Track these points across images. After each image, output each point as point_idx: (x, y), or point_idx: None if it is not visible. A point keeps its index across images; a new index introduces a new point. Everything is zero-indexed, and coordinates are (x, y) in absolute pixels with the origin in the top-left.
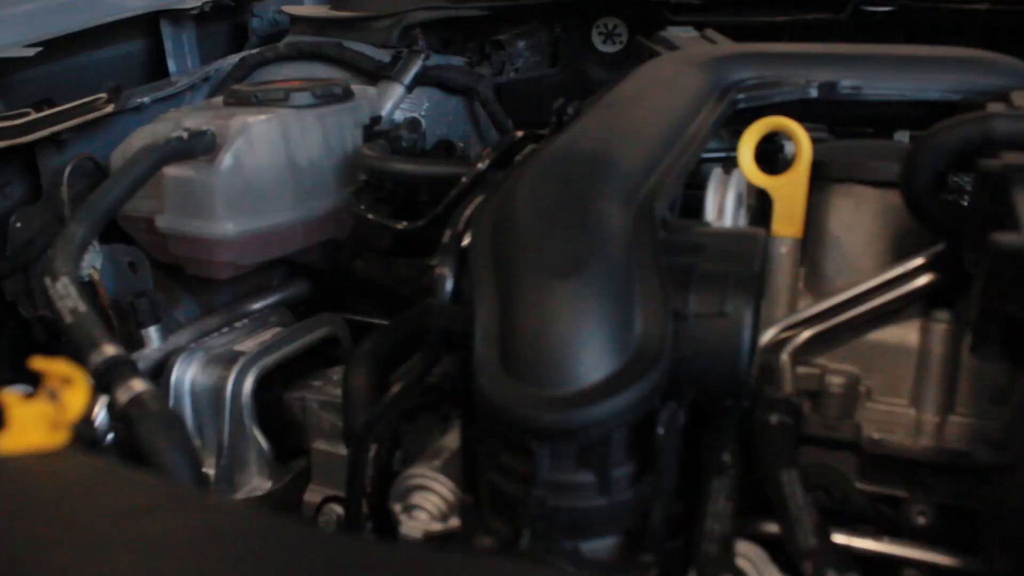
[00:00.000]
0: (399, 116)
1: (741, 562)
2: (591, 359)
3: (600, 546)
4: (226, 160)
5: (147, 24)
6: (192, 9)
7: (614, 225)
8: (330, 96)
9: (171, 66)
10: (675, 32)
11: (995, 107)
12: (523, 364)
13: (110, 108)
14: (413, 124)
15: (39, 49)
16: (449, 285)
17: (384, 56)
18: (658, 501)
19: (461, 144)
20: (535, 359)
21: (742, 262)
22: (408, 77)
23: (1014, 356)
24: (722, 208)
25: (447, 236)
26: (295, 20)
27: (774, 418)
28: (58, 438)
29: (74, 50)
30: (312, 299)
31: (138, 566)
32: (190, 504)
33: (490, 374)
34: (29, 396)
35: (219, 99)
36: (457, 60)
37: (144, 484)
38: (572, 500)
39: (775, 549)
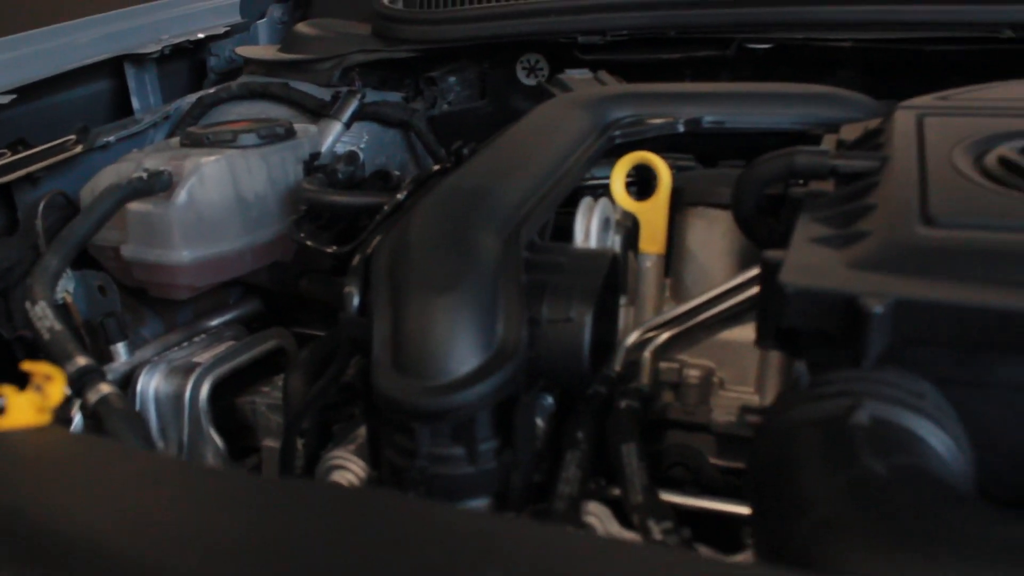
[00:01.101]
0: (341, 148)
1: (589, 518)
2: (460, 357)
3: (472, 506)
4: (181, 197)
5: (112, 67)
6: (153, 53)
7: (485, 250)
8: (273, 136)
9: (135, 104)
10: (571, 75)
11: (829, 138)
12: (408, 362)
13: (79, 148)
14: (351, 157)
15: (14, 96)
16: (356, 301)
17: (327, 95)
18: (517, 469)
19: (397, 172)
20: (417, 358)
21: (588, 277)
22: (346, 115)
23: (785, 348)
24: (588, 231)
25: (356, 261)
26: (248, 61)
27: (623, 403)
28: (43, 419)
29: (45, 93)
30: (264, 315)
31: (102, 498)
32: (141, 459)
33: (383, 371)
34: (21, 390)
35: (176, 140)
36: (394, 96)
37: (106, 447)
38: (447, 469)
39: (620, 510)
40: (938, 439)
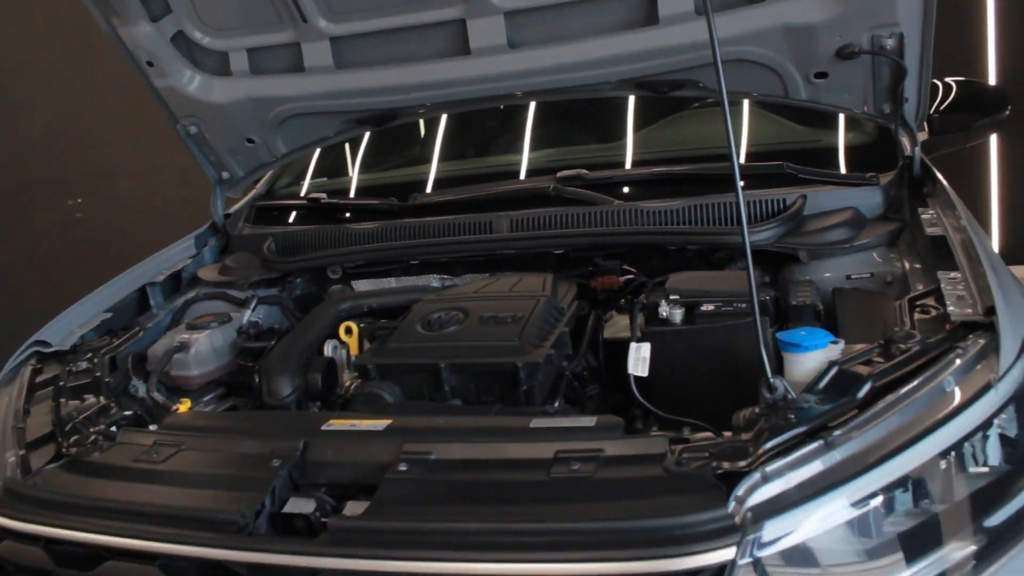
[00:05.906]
0: (255, 317)
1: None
2: None
3: None
4: (192, 350)
5: (139, 291)
6: (157, 280)
7: None
8: (222, 320)
9: (152, 303)
10: (332, 289)
11: None
12: None
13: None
14: (254, 324)
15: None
16: None
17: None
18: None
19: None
20: None
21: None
22: (251, 307)
23: None
24: None
25: None
26: (202, 279)
27: None
28: None
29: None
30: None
31: None
32: None
33: None
34: None
35: (184, 325)
36: (274, 291)
37: None
38: None
39: None
40: (385, 392)
